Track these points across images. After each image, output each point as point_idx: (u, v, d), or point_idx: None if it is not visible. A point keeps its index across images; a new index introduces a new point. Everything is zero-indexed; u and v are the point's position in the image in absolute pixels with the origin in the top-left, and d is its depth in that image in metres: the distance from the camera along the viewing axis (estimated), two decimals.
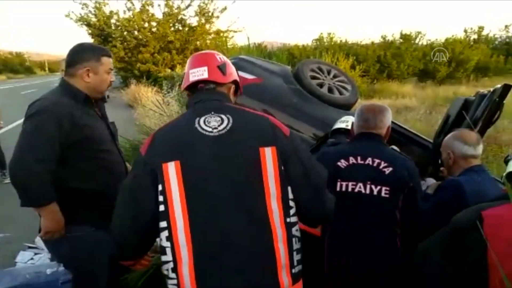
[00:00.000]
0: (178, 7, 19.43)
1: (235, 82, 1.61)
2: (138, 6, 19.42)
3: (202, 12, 19.39)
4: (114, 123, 2.24)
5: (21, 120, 1.99)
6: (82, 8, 19.76)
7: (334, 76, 3.66)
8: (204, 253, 1.33)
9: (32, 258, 3.34)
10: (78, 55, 2.02)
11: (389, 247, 1.86)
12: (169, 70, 17.51)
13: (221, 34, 19.56)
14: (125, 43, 19.69)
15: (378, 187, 1.85)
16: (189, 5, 19.40)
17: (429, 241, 1.77)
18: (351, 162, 1.92)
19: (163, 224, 1.35)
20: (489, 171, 2.13)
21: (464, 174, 2.03)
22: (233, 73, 1.61)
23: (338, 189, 1.88)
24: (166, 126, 1.51)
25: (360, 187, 1.87)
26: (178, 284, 1.33)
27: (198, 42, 19.61)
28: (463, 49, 22.84)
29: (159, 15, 19.71)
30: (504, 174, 1.51)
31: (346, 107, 3.36)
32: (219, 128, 1.42)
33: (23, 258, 3.36)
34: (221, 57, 1.60)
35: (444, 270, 1.60)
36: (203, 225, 1.34)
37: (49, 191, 1.85)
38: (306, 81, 3.39)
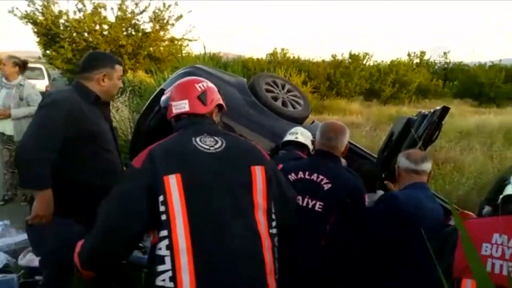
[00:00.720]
0: (132, 12, 18.97)
1: (218, 104, 1.72)
2: (89, 8, 18.74)
3: (156, 19, 19.05)
4: (117, 129, 2.45)
5: None
6: (29, 5, 18.74)
7: (288, 91, 3.76)
8: (204, 259, 1.38)
9: None
10: (96, 61, 2.26)
11: (311, 258, 1.99)
12: None
13: (176, 42, 19.34)
14: (74, 45, 18.87)
15: (314, 201, 2.00)
16: (143, 11, 19.00)
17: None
18: (299, 176, 2.08)
19: (163, 233, 1.40)
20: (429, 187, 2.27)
21: (405, 189, 2.19)
22: (215, 99, 1.71)
23: None
24: (161, 143, 1.57)
25: (299, 200, 1.99)
26: None
27: (151, 48, 19.22)
28: (406, 71, 24.29)
29: (111, 18, 19.14)
30: (501, 196, 1.59)
31: (298, 121, 3.46)
32: (215, 147, 1.55)
33: None
34: (201, 85, 1.69)
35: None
36: (203, 233, 1.41)
37: (48, 177, 1.99)
38: (261, 93, 3.45)
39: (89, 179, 2.10)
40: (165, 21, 19.25)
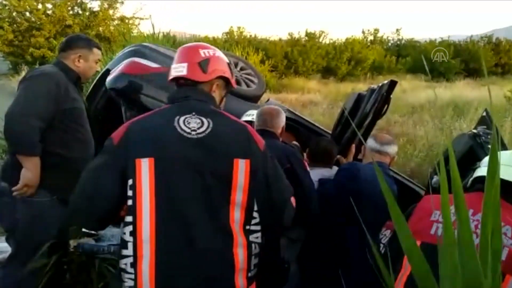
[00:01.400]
0: None
1: (222, 77, 1.57)
2: None
3: None
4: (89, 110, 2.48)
5: None
6: None
7: (241, 69, 3.64)
8: (166, 251, 1.34)
9: None
10: (74, 41, 2.34)
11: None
12: None
13: (126, 21, 18.53)
14: (15, 25, 17.64)
15: None
16: None
17: None
18: None
19: (128, 218, 1.36)
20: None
21: (370, 163, 2.35)
22: (218, 69, 1.56)
23: None
24: (143, 118, 1.48)
25: None
26: (135, 279, 1.34)
27: (100, 28, 18.32)
28: (361, 49, 24.72)
29: None
30: (471, 179, 1.60)
31: (253, 99, 3.38)
32: (198, 131, 1.41)
33: None
34: (206, 51, 1.55)
35: None
36: (168, 224, 1.35)
37: (39, 145, 2.07)
38: None
39: (61, 150, 2.19)
40: None
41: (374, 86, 2.72)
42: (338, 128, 3.02)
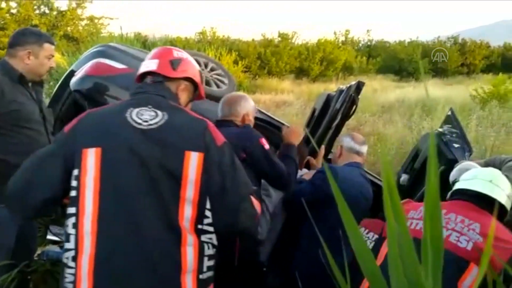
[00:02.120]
0: None
1: (190, 80, 1.57)
2: None
3: None
4: (51, 111, 2.40)
5: None
6: None
7: (212, 70, 3.60)
8: (107, 246, 1.28)
9: None
10: (21, 37, 2.18)
11: None
12: None
13: (96, 21, 18.09)
14: None
15: None
16: None
17: None
18: None
19: (71, 210, 1.32)
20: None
21: (346, 166, 2.36)
22: (188, 71, 1.55)
23: None
24: (96, 110, 1.47)
25: None
26: (75, 274, 1.28)
27: (69, 28, 17.81)
28: (333, 49, 25.06)
29: None
30: (450, 192, 1.82)
31: None
32: (150, 122, 1.37)
33: None
34: (179, 53, 1.57)
35: None
36: (112, 217, 1.30)
37: None
38: None
39: (12, 158, 2.00)
40: None
41: (343, 87, 2.74)
42: (308, 127, 3.03)
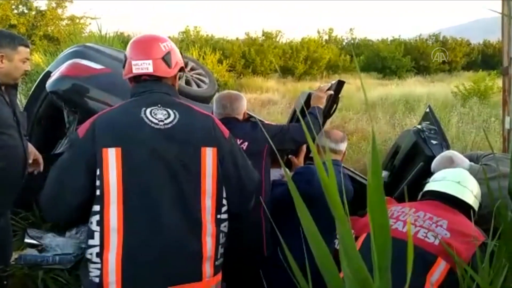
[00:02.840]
0: None
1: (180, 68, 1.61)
2: None
3: None
4: (25, 114, 2.31)
5: None
6: None
7: (192, 69, 3.56)
8: (135, 240, 1.35)
9: None
10: None
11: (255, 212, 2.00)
12: None
13: (77, 21, 17.81)
14: None
15: None
16: None
17: None
18: None
19: (96, 208, 1.35)
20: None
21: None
22: (179, 61, 1.59)
23: None
24: (108, 112, 1.49)
25: None
26: (101, 269, 1.34)
27: (49, 28, 17.49)
28: (317, 48, 25.21)
29: None
30: (421, 193, 1.87)
31: (204, 100, 3.30)
32: (165, 122, 1.43)
33: None
34: (166, 44, 1.55)
35: None
36: (137, 213, 1.36)
37: None
38: None
39: None
40: None
41: (323, 85, 2.75)
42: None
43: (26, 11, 17.54)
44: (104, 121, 1.44)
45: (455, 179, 1.75)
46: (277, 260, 2.23)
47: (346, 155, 2.67)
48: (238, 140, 2.07)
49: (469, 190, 1.72)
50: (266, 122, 3.25)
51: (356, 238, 1.68)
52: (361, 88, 15.34)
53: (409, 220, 1.56)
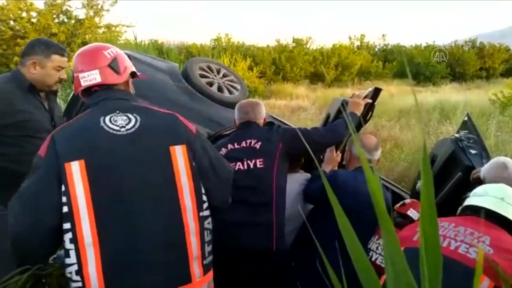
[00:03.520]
0: None
1: (131, 73, 1.59)
2: None
3: (90, 4, 18.02)
4: (64, 119, 2.28)
5: None
6: None
7: (224, 76, 3.61)
8: (114, 251, 1.30)
9: None
10: (30, 47, 2.19)
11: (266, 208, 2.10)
12: None
13: (113, 29, 18.41)
14: None
15: (253, 160, 2.14)
16: None
17: None
18: (229, 148, 2.22)
19: (66, 225, 1.30)
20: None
21: (352, 171, 2.29)
22: (128, 67, 1.56)
23: None
24: (65, 126, 1.44)
25: (239, 166, 2.14)
26: (83, 287, 1.30)
27: (87, 36, 18.16)
28: (348, 54, 24.91)
29: (40, 4, 17.84)
30: (460, 208, 1.80)
31: (235, 106, 3.33)
32: (127, 127, 1.39)
33: None
34: (110, 51, 1.52)
35: None
36: (112, 224, 1.32)
37: None
38: (195, 79, 3.29)
39: (12, 166, 2.06)
40: (99, 7, 18.26)
41: (357, 92, 2.71)
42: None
43: (66, 20, 18.30)
44: (64, 135, 1.39)
45: (498, 195, 1.67)
46: (307, 268, 2.21)
47: (379, 163, 2.60)
48: (252, 140, 2.18)
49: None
50: (288, 126, 3.25)
51: None
52: (395, 94, 14.97)
53: (480, 248, 1.47)
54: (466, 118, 2.98)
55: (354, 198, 2.06)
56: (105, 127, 1.38)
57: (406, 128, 8.99)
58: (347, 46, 26.65)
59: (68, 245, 1.31)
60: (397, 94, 16.37)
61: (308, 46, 25.66)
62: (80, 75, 1.48)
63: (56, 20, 18.11)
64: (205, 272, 1.43)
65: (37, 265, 2.14)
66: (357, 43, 29.18)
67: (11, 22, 17.48)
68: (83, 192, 1.30)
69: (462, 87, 20.84)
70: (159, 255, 1.34)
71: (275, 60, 23.12)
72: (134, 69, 1.59)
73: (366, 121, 2.53)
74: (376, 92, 2.47)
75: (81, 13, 18.31)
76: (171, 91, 3.11)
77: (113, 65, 1.49)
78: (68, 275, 1.34)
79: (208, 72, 3.49)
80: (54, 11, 17.91)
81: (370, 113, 2.50)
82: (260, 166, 2.11)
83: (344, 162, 2.63)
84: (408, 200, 2.54)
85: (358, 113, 2.39)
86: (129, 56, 3.26)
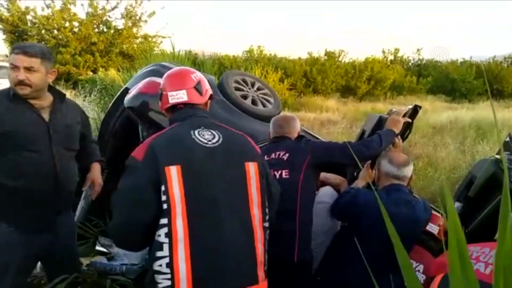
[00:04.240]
0: (103, 8, 18.52)
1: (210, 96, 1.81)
2: (58, 4, 18.17)
3: (129, 15, 18.66)
4: (74, 128, 2.17)
5: None
6: None
7: (258, 89, 3.64)
8: (200, 249, 1.47)
9: None
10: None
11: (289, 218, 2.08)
12: (91, 73, 16.51)
13: (150, 39, 18.97)
14: (43, 42, 18.25)
15: (280, 171, 2.17)
16: (115, 7, 18.58)
17: None
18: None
19: (163, 221, 1.47)
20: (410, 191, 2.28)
21: (380, 190, 2.20)
22: (208, 89, 1.79)
23: None
24: (161, 134, 1.63)
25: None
26: (172, 278, 1.44)
27: (124, 46, 18.78)
28: (381, 68, 24.57)
29: (82, 15, 18.62)
30: None
31: (269, 120, 3.34)
32: (213, 141, 1.60)
33: None
34: (195, 75, 1.76)
35: None
36: (200, 223, 1.49)
37: None
38: (230, 92, 3.33)
39: (4, 179, 1.95)
40: (137, 18, 18.89)
41: (395, 109, 2.67)
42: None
43: (105, 30, 18.99)
44: (161, 143, 1.57)
45: None
46: (332, 283, 2.17)
47: (412, 182, 2.50)
48: (280, 152, 2.23)
49: None
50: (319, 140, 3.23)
51: (431, 278, 1.58)
52: (428, 110, 14.55)
53: None
54: (507, 139, 2.87)
55: (373, 219, 1.96)
56: (196, 139, 1.58)
57: (441, 145, 8.74)
58: (380, 60, 26.31)
59: (163, 239, 1.47)
60: (431, 110, 15.95)
61: (340, 59, 25.49)
62: (169, 93, 1.71)
63: (96, 30, 18.82)
64: (266, 277, 1.61)
65: (75, 273, 2.21)
66: (391, 57, 28.75)
67: (55, 32, 18.34)
68: (179, 192, 1.48)
69: (500, 104, 20.08)
70: (238, 256, 1.52)
71: (306, 72, 23.10)
72: (211, 92, 1.80)
73: (404, 139, 2.48)
74: (416, 110, 2.43)
75: (120, 23, 18.95)
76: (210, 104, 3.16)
77: (198, 87, 1.72)
78: (157, 267, 1.46)
79: (242, 85, 3.53)
80: (94, 21, 18.64)
81: (408, 131, 2.45)
82: (286, 177, 2.15)
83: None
84: None
85: (397, 131, 2.37)
86: (169, 68, 3.38)
